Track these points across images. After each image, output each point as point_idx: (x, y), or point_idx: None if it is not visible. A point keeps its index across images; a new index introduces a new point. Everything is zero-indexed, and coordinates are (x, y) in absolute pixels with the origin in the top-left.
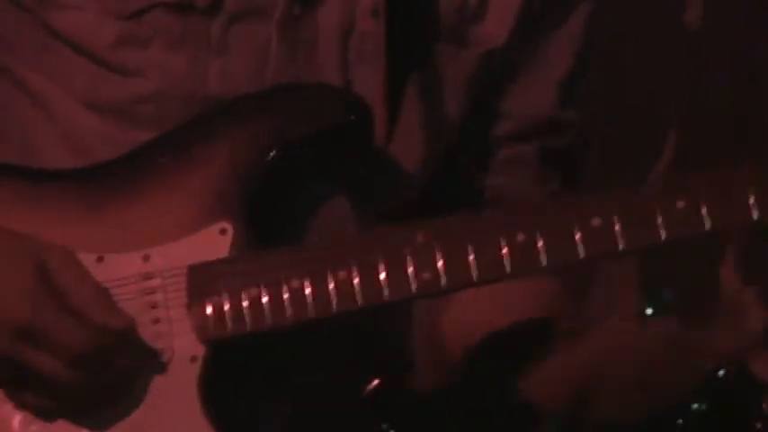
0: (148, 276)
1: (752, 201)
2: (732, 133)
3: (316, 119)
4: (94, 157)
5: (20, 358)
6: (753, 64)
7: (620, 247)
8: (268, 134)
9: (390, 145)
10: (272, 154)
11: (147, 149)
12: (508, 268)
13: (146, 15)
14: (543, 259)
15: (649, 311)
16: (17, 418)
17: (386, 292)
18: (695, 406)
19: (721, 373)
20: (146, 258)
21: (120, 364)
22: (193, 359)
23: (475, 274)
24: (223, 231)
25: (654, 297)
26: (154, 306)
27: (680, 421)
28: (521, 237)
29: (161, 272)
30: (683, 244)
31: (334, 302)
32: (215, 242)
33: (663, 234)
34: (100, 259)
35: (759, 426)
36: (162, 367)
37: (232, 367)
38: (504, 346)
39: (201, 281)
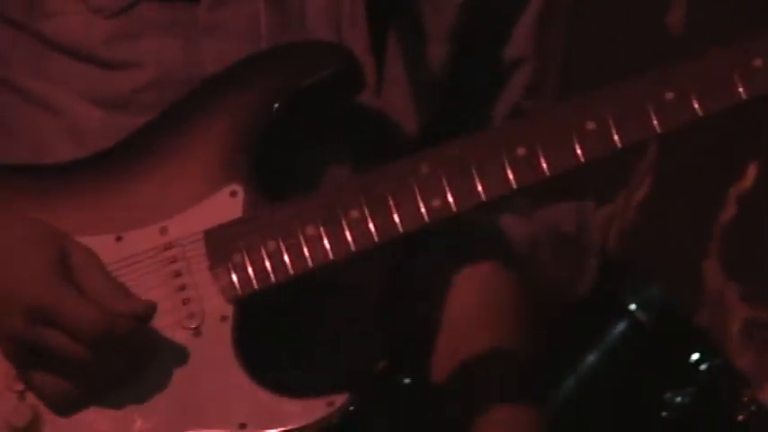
0: (168, 247)
1: (737, 80)
2: (714, 135)
3: (312, 71)
4: (102, 148)
5: (37, 339)
6: None
7: (618, 145)
8: (270, 90)
9: (380, 97)
10: (275, 106)
11: (148, 129)
12: (513, 183)
13: (133, 10)
14: (546, 169)
15: (633, 307)
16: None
17: (399, 224)
18: (679, 399)
19: (704, 366)
20: (163, 231)
21: (136, 345)
22: (224, 318)
23: (483, 193)
24: (233, 193)
25: (639, 293)
26: (178, 274)
27: (664, 414)
28: (521, 151)
29: (179, 240)
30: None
31: (351, 242)
32: (227, 205)
33: (657, 126)
34: (119, 239)
35: (741, 418)
36: (195, 331)
37: (261, 321)
38: None
39: (220, 243)
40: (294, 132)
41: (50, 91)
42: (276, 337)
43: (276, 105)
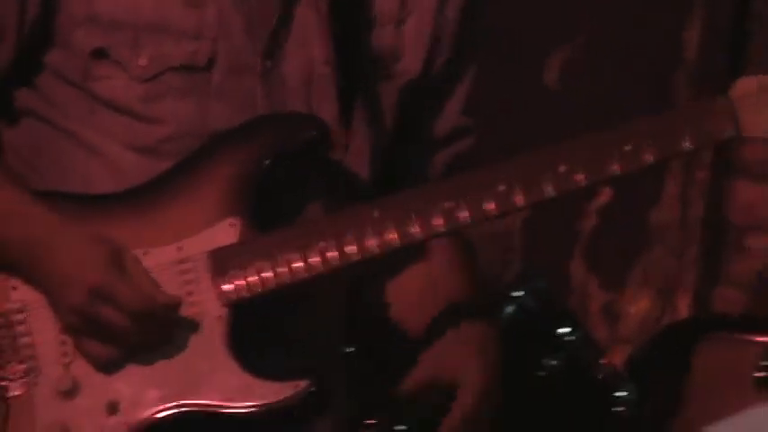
0: (183, 261)
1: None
2: None
3: (294, 135)
4: (135, 184)
5: (93, 311)
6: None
7: (521, 205)
8: (262, 149)
9: (346, 156)
10: (266, 163)
11: (170, 172)
12: (443, 228)
13: (160, 77)
14: (468, 218)
15: (520, 294)
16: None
17: (356, 253)
18: (553, 363)
19: (571, 337)
20: (179, 249)
21: (165, 326)
22: (219, 317)
23: (420, 233)
24: (232, 224)
25: (526, 283)
26: (188, 282)
27: (542, 373)
28: (448, 204)
29: (191, 257)
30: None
31: (320, 265)
32: (227, 233)
33: (616, 170)
34: (145, 253)
35: (600, 376)
36: (197, 325)
37: (248, 320)
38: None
39: (220, 261)
40: (279, 179)
41: (97, 138)
42: (259, 333)
43: (266, 161)
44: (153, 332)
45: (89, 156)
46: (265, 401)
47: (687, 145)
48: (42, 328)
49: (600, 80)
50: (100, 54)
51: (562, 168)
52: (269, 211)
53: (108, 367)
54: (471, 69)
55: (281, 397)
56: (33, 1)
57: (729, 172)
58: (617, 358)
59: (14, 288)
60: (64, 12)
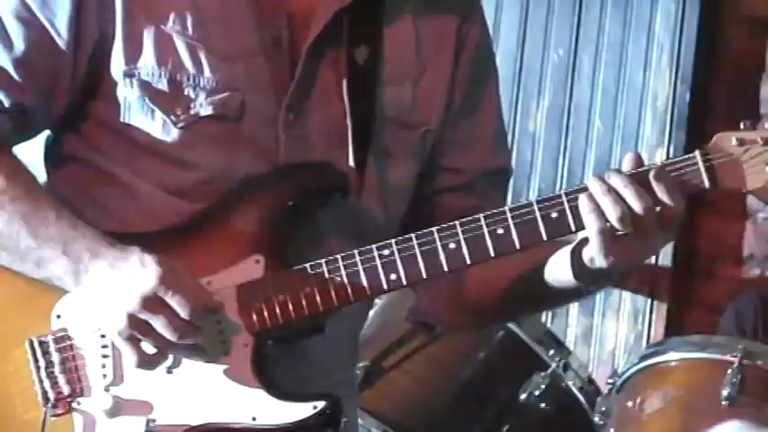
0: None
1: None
2: None
3: (315, 181)
4: (170, 224)
5: (152, 311)
6: None
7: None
8: (285, 193)
9: (361, 199)
10: (288, 205)
11: (201, 213)
12: (445, 267)
13: (195, 125)
14: (467, 258)
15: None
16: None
17: (368, 289)
18: (539, 380)
19: (556, 358)
20: (209, 283)
21: (209, 336)
22: (245, 344)
23: (425, 272)
24: (257, 261)
25: None
26: (217, 312)
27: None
28: (452, 245)
29: (219, 290)
30: None
31: (335, 298)
32: (253, 269)
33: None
34: None
35: (583, 395)
36: (226, 351)
37: (272, 347)
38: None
39: (246, 294)
40: (301, 221)
41: (135, 181)
42: (281, 359)
43: (290, 203)
44: (197, 340)
45: (127, 198)
46: (287, 421)
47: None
48: (86, 353)
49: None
50: (140, 104)
51: (554, 214)
52: (291, 248)
53: (146, 386)
54: (491, 112)
55: (301, 417)
56: (83, 58)
57: (698, 205)
58: (598, 378)
59: (59, 316)
60: (109, 67)
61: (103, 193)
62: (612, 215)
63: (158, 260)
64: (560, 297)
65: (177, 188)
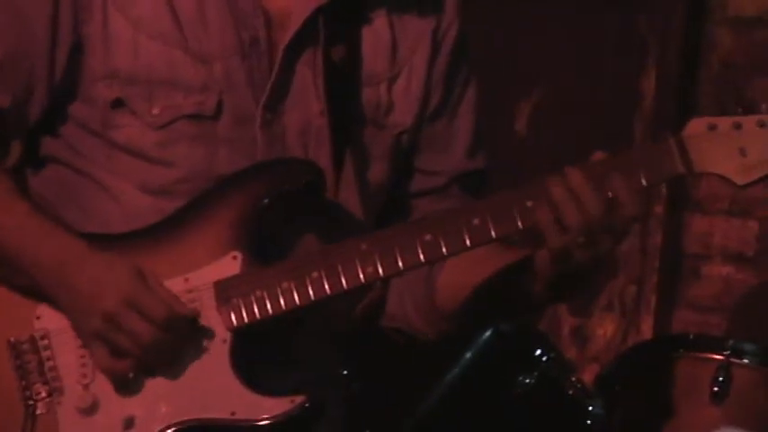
0: (190, 291)
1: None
2: None
3: (291, 178)
4: (150, 223)
5: (123, 317)
6: None
7: (493, 235)
8: (261, 191)
9: (338, 197)
10: (264, 202)
11: (179, 212)
12: (422, 259)
13: (172, 125)
14: (445, 251)
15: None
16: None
17: (345, 283)
18: (527, 380)
19: (544, 358)
20: (186, 280)
21: (181, 339)
22: (224, 341)
23: (402, 265)
24: (235, 258)
25: None
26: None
27: (517, 391)
28: (428, 237)
29: (197, 287)
30: None
31: (312, 294)
32: (230, 265)
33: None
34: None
35: (570, 393)
36: (205, 347)
37: (250, 343)
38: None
39: (224, 291)
40: (278, 217)
41: (115, 181)
42: (260, 354)
43: (265, 201)
44: (170, 345)
45: (107, 198)
46: (266, 415)
47: (643, 182)
48: (64, 352)
49: (565, 128)
50: (118, 105)
51: (530, 203)
52: (268, 245)
53: (125, 383)
54: (467, 115)
55: (281, 411)
56: (60, 60)
57: (684, 206)
58: (586, 376)
59: (38, 317)
60: (87, 69)
61: (83, 193)
62: (573, 224)
63: (129, 266)
64: (530, 302)
65: (156, 188)
